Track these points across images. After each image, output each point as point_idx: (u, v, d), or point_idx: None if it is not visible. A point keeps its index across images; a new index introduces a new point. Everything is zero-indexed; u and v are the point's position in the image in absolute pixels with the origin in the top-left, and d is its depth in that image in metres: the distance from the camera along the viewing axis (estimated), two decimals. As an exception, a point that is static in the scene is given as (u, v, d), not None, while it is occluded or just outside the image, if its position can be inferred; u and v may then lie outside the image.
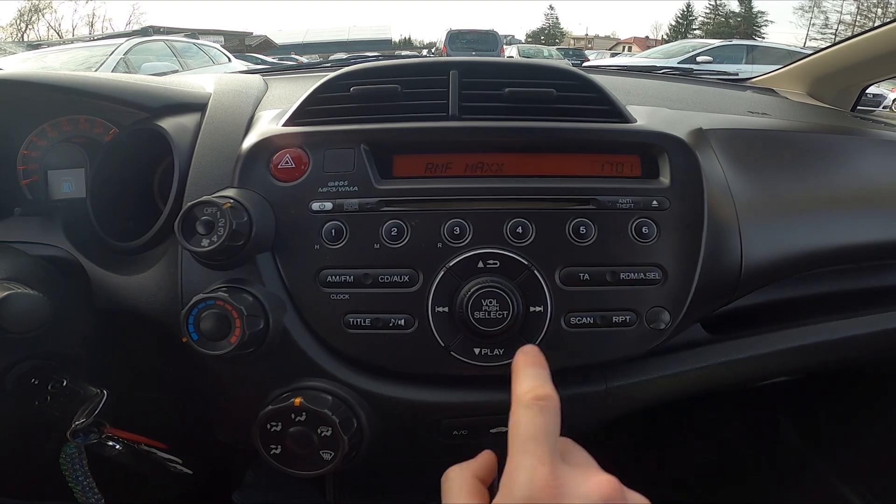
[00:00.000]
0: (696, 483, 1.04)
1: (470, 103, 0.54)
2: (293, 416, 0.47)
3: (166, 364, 0.63)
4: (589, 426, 0.56)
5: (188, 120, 0.61)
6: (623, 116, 0.54)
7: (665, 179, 0.51)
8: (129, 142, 0.65)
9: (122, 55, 4.46)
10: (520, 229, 0.49)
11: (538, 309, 0.48)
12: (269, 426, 0.46)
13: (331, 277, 0.49)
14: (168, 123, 0.60)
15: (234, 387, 0.53)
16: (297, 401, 0.47)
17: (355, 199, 0.50)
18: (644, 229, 0.49)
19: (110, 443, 0.56)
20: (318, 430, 0.47)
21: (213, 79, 0.71)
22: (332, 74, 0.57)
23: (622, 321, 0.49)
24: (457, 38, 11.34)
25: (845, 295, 0.71)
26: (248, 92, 0.67)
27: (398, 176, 0.52)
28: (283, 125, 0.54)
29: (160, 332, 0.53)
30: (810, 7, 34.14)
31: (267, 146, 0.51)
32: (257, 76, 0.79)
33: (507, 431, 0.48)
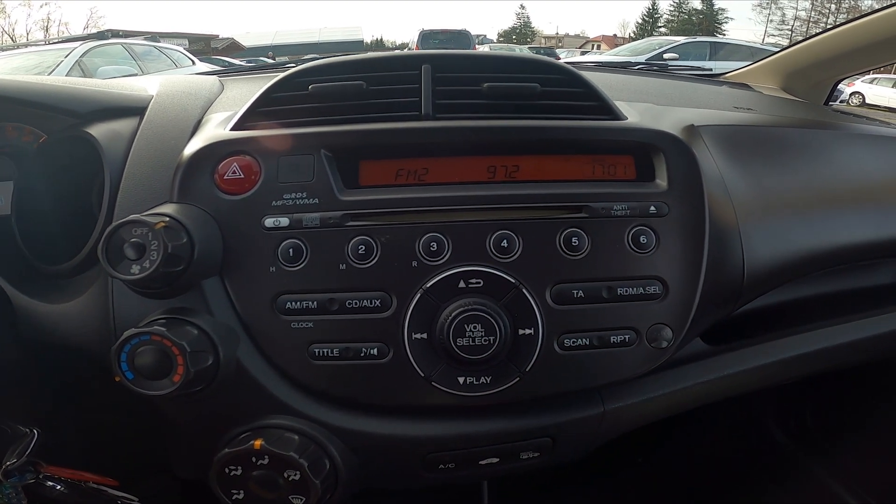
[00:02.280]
0: (686, 486, 1.02)
1: (445, 101, 0.48)
2: (254, 459, 0.42)
3: (108, 401, 0.56)
4: (585, 451, 0.52)
5: (123, 126, 0.54)
6: (613, 113, 0.49)
7: (662, 182, 0.46)
8: (56, 152, 0.57)
9: (76, 59, 4.25)
10: (505, 243, 0.44)
11: (528, 332, 0.43)
12: (227, 470, 0.43)
13: (291, 304, 0.43)
14: (99, 130, 0.53)
15: (186, 426, 0.47)
16: (258, 443, 0.42)
17: (316, 214, 0.43)
18: (642, 238, 0.45)
19: (49, 483, 0.52)
20: (285, 474, 0.42)
21: (159, 80, 0.64)
22: (288, 71, 0.50)
23: (621, 341, 0.45)
24: (429, 38, 11.31)
25: (838, 296, 0.70)
26: (196, 93, 0.60)
27: (365, 185, 0.46)
28: (232, 129, 0.47)
29: (96, 367, 0.47)
30: (768, 4, 35.46)
31: (211, 154, 0.45)
32: (212, 77, 0.72)
33: (497, 462, 0.42)
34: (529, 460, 0.50)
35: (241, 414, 0.45)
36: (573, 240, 0.44)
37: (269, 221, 0.43)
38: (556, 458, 0.51)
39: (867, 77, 12.41)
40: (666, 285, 0.45)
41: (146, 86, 0.63)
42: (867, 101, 11.98)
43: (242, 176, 0.44)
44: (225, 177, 0.44)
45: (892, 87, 12.27)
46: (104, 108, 0.56)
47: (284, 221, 0.43)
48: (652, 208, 0.45)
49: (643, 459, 1.05)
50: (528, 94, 0.48)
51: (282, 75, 0.50)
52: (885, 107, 11.46)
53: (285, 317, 0.43)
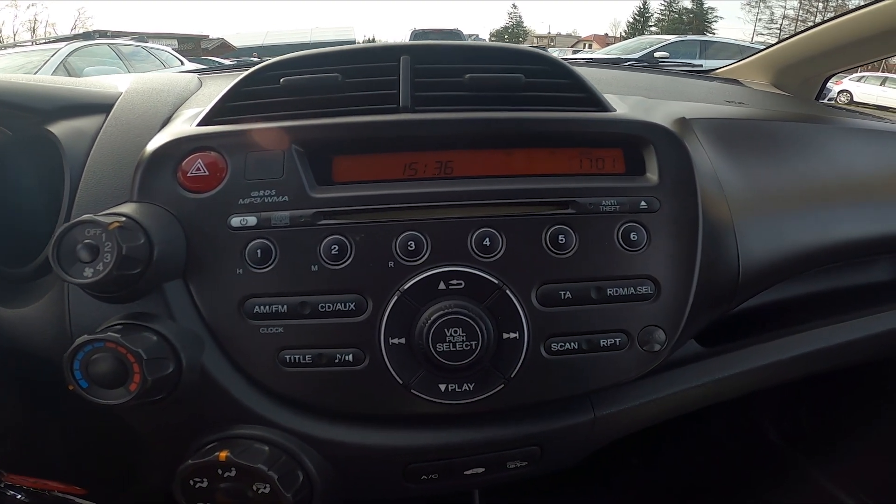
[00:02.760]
0: (682, 488, 1.00)
1: (424, 93, 0.46)
2: (220, 471, 0.40)
3: (73, 407, 0.54)
4: (576, 459, 0.50)
5: (87, 123, 0.51)
6: (601, 105, 0.47)
7: (653, 176, 0.44)
8: (17, 150, 0.54)
9: (62, 59, 4.18)
10: (487, 241, 0.41)
11: (513, 335, 0.41)
12: (192, 482, 0.40)
13: (259, 307, 0.41)
14: (61, 128, 0.51)
15: (150, 435, 0.45)
16: (223, 455, 0.40)
17: (285, 212, 0.41)
18: (632, 235, 0.42)
19: (10, 492, 0.50)
20: (254, 487, 0.40)
21: (131, 78, 0.61)
22: (259, 65, 0.47)
23: (611, 344, 0.42)
24: (421, 38, 11.29)
25: (833, 294, 0.68)
26: (168, 90, 0.57)
27: (339, 181, 0.43)
28: (198, 125, 0.44)
29: (57, 374, 0.44)
30: (756, 3, 35.74)
31: (173, 150, 0.42)
32: (190, 74, 0.69)
33: (483, 472, 0.39)
34: (517, 470, 0.48)
35: (208, 423, 0.43)
36: (560, 237, 0.42)
37: (235, 221, 0.41)
38: (546, 467, 0.49)
39: (855, 75, 12.54)
40: (658, 285, 0.43)
41: (117, 83, 0.60)
42: (855, 98, 12.10)
43: (207, 173, 0.41)
44: (189, 174, 0.41)
45: (880, 84, 12.41)
46: (68, 106, 0.53)
47: (252, 220, 0.41)
48: (642, 203, 0.43)
49: (638, 461, 1.04)
50: (511, 85, 0.46)
51: (252, 69, 0.47)
52: (874, 104, 11.58)
53: (253, 321, 0.41)
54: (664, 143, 0.45)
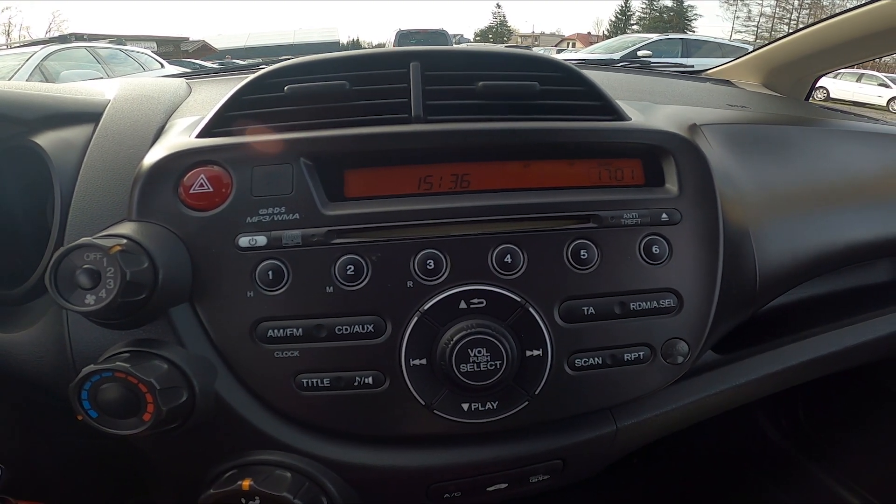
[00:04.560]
0: (682, 485, 1.00)
1: (436, 101, 0.44)
2: (244, 501, 0.38)
3: (77, 431, 0.52)
4: (597, 469, 0.50)
5: (75, 134, 0.49)
6: (618, 113, 0.46)
7: (672, 187, 0.43)
8: (2, 163, 0.51)
9: (37, 63, 4.06)
10: (508, 258, 0.40)
11: (536, 353, 0.40)
12: None
13: (273, 331, 0.39)
14: (47, 139, 0.48)
15: (165, 462, 0.43)
16: (246, 483, 0.38)
17: (297, 231, 0.39)
18: (654, 248, 0.41)
19: None
20: None
21: (119, 83, 0.58)
22: (261, 71, 0.45)
23: (635, 358, 0.41)
24: (406, 38, 11.24)
25: (840, 296, 0.68)
26: (159, 97, 0.54)
27: (351, 197, 0.41)
28: (198, 136, 0.42)
29: (59, 400, 0.42)
30: (734, 1, 36.36)
31: (173, 164, 0.40)
32: (179, 80, 0.66)
33: (506, 488, 0.38)
34: (539, 483, 0.47)
35: (226, 450, 0.42)
36: (582, 252, 0.40)
37: (243, 241, 0.39)
38: (568, 479, 0.48)
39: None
40: (680, 297, 0.42)
41: (104, 90, 0.57)
42: (831, 95, 12.36)
43: (211, 189, 0.39)
44: (191, 190, 0.39)
45: (856, 81, 12.70)
46: (54, 115, 0.50)
47: (261, 240, 0.39)
48: (664, 216, 0.42)
49: (639, 461, 1.04)
50: (526, 93, 0.44)
51: (254, 75, 0.45)
52: (850, 101, 11.85)
53: (267, 345, 0.39)
54: (683, 152, 0.44)
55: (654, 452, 1.04)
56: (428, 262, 0.39)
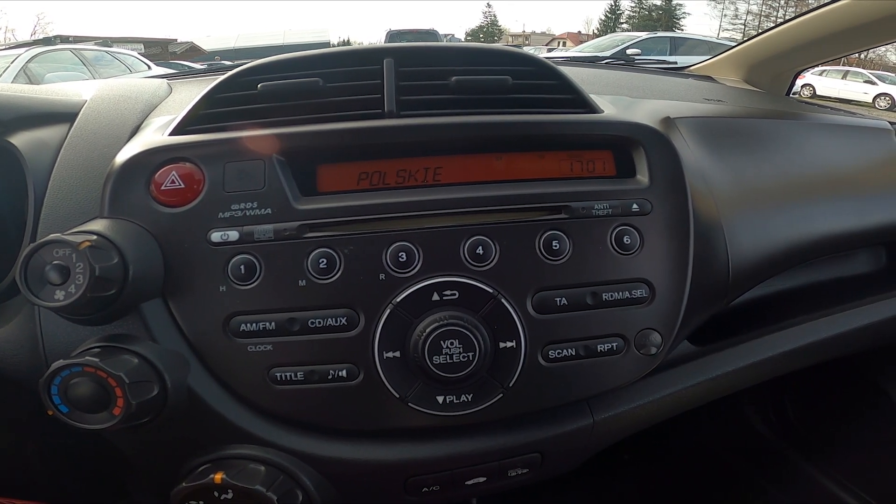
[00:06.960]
0: (673, 480, 1.01)
1: (410, 97, 0.44)
2: (216, 494, 0.38)
3: (56, 429, 0.52)
4: (576, 463, 0.50)
5: (50, 133, 0.49)
6: (589, 106, 0.46)
7: (643, 178, 0.44)
8: None
9: (21, 66, 4.02)
10: (480, 250, 0.40)
11: (510, 344, 0.40)
12: None
13: (245, 325, 0.39)
14: (22, 139, 0.48)
15: (139, 457, 0.43)
16: (218, 477, 0.38)
17: (269, 225, 0.39)
18: (626, 239, 0.42)
19: None
20: None
21: (97, 84, 0.58)
22: (234, 70, 0.45)
23: (608, 349, 0.42)
24: (397, 38, 11.27)
25: (817, 287, 0.69)
26: (136, 97, 0.54)
27: (324, 191, 0.41)
28: (171, 134, 0.42)
29: (37, 398, 0.41)
30: (721, -1, 36.68)
31: (144, 161, 0.40)
32: (159, 80, 0.66)
33: (484, 482, 0.38)
34: (518, 477, 0.47)
35: (201, 445, 0.42)
36: (553, 243, 0.41)
37: (215, 236, 0.39)
38: (546, 473, 0.48)
39: (817, 69, 12.96)
40: (652, 288, 0.42)
41: (81, 90, 0.57)
42: (818, 92, 12.51)
43: (183, 185, 0.39)
44: (163, 187, 0.39)
45: (842, 78, 12.86)
46: (28, 115, 0.50)
47: (233, 235, 0.39)
48: (634, 206, 0.42)
49: (629, 457, 1.04)
50: (498, 87, 0.45)
51: (227, 74, 0.45)
52: (836, 97, 12.00)
53: (240, 339, 0.39)
54: (653, 143, 0.44)
55: (646, 447, 1.05)
56: (400, 254, 0.39)
